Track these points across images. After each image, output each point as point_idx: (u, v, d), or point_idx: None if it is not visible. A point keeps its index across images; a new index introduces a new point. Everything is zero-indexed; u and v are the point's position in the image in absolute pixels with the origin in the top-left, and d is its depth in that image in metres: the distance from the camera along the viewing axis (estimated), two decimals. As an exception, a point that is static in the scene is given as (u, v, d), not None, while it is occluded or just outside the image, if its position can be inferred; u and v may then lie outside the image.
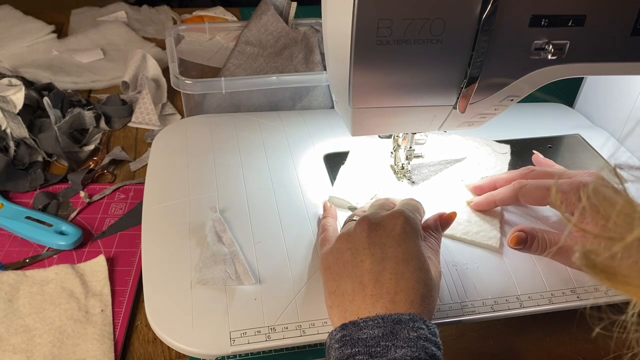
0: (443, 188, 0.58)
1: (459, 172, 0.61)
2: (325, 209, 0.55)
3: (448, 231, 0.52)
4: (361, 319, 0.38)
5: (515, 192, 0.52)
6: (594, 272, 0.25)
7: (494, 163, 0.63)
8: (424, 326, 0.37)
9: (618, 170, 0.28)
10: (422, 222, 0.48)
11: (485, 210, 0.55)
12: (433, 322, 0.45)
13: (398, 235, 0.42)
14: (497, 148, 0.65)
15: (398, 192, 0.58)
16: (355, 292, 0.40)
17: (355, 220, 0.47)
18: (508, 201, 0.54)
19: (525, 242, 0.49)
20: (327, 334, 0.43)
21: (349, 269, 0.42)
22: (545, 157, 0.60)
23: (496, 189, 0.55)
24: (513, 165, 0.62)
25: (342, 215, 0.55)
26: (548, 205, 0.52)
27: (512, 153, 0.65)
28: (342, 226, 0.50)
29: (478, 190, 0.57)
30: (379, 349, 0.35)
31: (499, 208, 0.56)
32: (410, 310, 0.38)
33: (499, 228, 0.54)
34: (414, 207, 0.47)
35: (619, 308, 0.25)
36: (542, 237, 0.48)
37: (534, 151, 0.58)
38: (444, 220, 0.49)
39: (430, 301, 0.40)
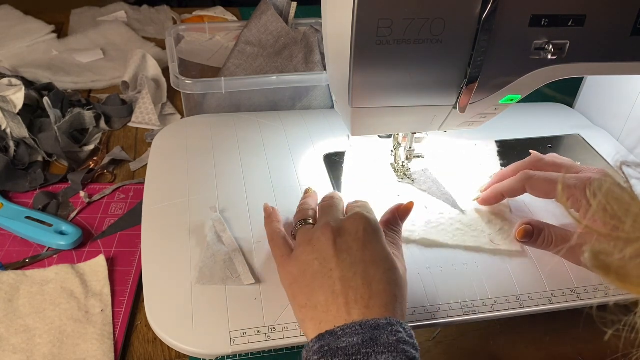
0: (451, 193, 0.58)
1: (463, 175, 0.60)
2: (267, 213, 0.51)
3: (441, 239, 0.52)
4: (338, 327, 0.37)
5: (523, 183, 0.51)
6: (605, 273, 0.25)
7: (495, 162, 0.63)
8: (401, 329, 0.37)
9: (625, 168, 0.28)
10: (380, 218, 0.47)
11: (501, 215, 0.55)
12: (432, 322, 0.45)
13: (362, 238, 0.42)
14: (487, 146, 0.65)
15: (407, 193, 0.58)
16: (329, 302, 0.39)
17: (310, 224, 0.46)
18: (515, 192, 0.53)
19: (532, 235, 0.48)
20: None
21: (319, 279, 0.40)
22: None
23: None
24: (508, 159, 0.63)
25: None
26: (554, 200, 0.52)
27: (512, 153, 0.65)
28: (293, 230, 0.48)
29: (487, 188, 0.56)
30: (359, 356, 0.35)
31: (504, 208, 0.55)
32: (385, 313, 0.38)
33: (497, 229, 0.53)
34: (366, 208, 0.46)
35: (622, 308, 0.25)
36: (548, 232, 0.48)
37: (530, 151, 0.57)
38: (402, 212, 0.49)
39: (402, 300, 0.40)
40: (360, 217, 0.43)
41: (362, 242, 0.41)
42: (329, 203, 0.48)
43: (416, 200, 0.51)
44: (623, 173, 0.28)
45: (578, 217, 0.45)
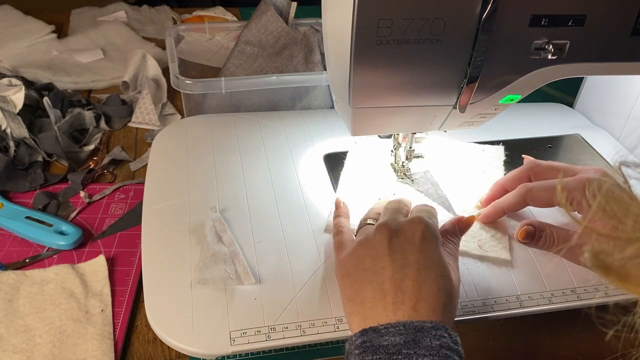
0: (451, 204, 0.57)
1: (465, 184, 0.60)
2: (337, 206, 0.53)
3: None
4: (382, 325, 0.37)
5: (523, 196, 0.51)
6: (605, 273, 0.25)
7: (497, 167, 0.62)
8: (446, 334, 0.36)
9: (624, 168, 0.28)
10: (439, 227, 0.47)
11: (494, 222, 0.54)
12: None
13: (419, 242, 0.41)
14: (491, 152, 0.65)
15: (405, 193, 0.57)
16: (376, 299, 0.39)
17: (370, 224, 0.46)
18: (517, 207, 0.53)
19: (534, 236, 0.48)
20: (328, 334, 0.43)
21: (370, 275, 0.41)
22: (545, 157, 0.59)
23: (507, 192, 0.54)
24: (513, 165, 0.62)
25: (354, 213, 0.53)
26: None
27: (512, 153, 0.65)
28: (357, 230, 0.49)
29: (488, 202, 0.56)
30: (400, 356, 0.35)
31: (504, 217, 0.55)
32: (432, 318, 0.38)
33: (508, 239, 0.53)
34: (430, 213, 0.46)
35: (621, 308, 0.25)
36: (550, 233, 0.48)
37: (523, 156, 0.57)
38: (462, 225, 0.48)
39: (451, 309, 0.40)
40: (420, 221, 0.43)
41: (418, 246, 0.41)
42: (393, 205, 0.48)
43: (412, 201, 0.50)
44: (622, 173, 0.28)
45: (579, 218, 0.45)
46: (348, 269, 0.43)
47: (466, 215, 0.49)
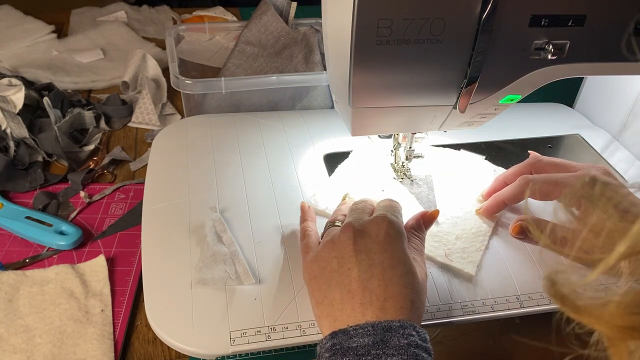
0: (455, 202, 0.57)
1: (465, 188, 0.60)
2: (304, 211, 0.52)
3: (429, 253, 0.51)
4: (351, 327, 0.37)
5: (523, 188, 0.51)
6: (560, 303, 0.24)
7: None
8: (414, 332, 0.37)
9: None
10: (404, 223, 0.47)
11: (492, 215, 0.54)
12: (432, 322, 0.45)
13: (383, 241, 0.41)
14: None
15: (396, 191, 0.57)
16: (344, 300, 0.39)
17: (337, 225, 0.46)
18: (516, 198, 0.53)
19: (527, 232, 0.48)
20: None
21: (336, 277, 0.41)
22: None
23: (507, 185, 0.54)
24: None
25: (322, 219, 0.53)
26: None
27: (513, 153, 0.65)
28: (323, 232, 0.48)
29: (490, 195, 0.56)
30: (369, 357, 0.35)
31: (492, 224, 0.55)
32: (400, 316, 0.38)
33: (480, 256, 0.51)
34: (394, 209, 0.46)
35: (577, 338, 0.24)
36: (544, 229, 0.48)
37: (529, 152, 0.57)
38: (427, 219, 0.48)
39: (419, 305, 0.40)
40: (383, 219, 0.43)
41: (382, 244, 0.41)
42: (358, 206, 0.48)
43: (400, 199, 0.50)
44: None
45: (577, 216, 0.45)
46: (315, 272, 0.43)
47: (469, 199, 0.48)
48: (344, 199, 0.55)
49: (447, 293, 0.48)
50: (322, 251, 0.43)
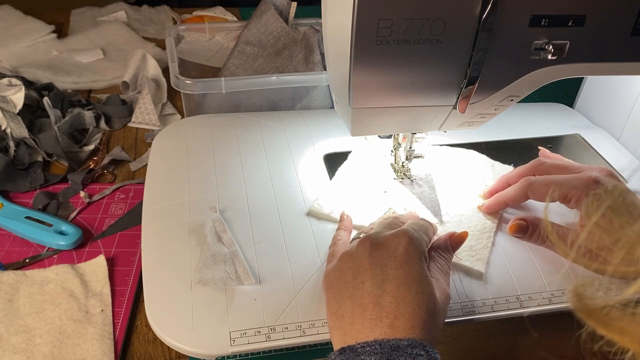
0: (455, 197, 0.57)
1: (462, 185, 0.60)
2: (341, 219, 0.53)
3: None
4: (359, 344, 0.37)
5: (524, 190, 0.52)
6: (588, 318, 0.23)
7: (492, 175, 0.62)
8: (422, 352, 0.36)
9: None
10: (433, 241, 0.47)
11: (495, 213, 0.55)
12: None
13: (400, 257, 0.40)
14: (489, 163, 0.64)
15: (398, 192, 0.57)
16: (355, 314, 0.39)
17: (357, 237, 0.46)
18: (518, 199, 0.53)
19: (526, 231, 0.49)
20: (328, 334, 0.43)
21: (350, 289, 0.40)
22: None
23: (510, 186, 0.55)
24: (514, 166, 0.62)
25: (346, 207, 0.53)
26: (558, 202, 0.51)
27: (512, 154, 0.65)
28: (349, 242, 0.49)
29: (492, 194, 0.56)
30: None
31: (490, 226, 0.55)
32: (410, 335, 0.37)
33: (489, 252, 0.52)
34: (420, 227, 0.45)
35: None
36: (542, 228, 0.49)
37: (539, 147, 0.57)
38: (455, 241, 0.47)
39: (433, 326, 0.39)
40: (404, 234, 0.42)
41: (400, 260, 0.40)
42: (387, 220, 0.47)
43: (403, 200, 0.50)
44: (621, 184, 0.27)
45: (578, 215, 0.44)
46: (332, 281, 0.42)
47: (472, 197, 0.48)
48: (387, 213, 0.54)
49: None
50: (340, 261, 0.43)
